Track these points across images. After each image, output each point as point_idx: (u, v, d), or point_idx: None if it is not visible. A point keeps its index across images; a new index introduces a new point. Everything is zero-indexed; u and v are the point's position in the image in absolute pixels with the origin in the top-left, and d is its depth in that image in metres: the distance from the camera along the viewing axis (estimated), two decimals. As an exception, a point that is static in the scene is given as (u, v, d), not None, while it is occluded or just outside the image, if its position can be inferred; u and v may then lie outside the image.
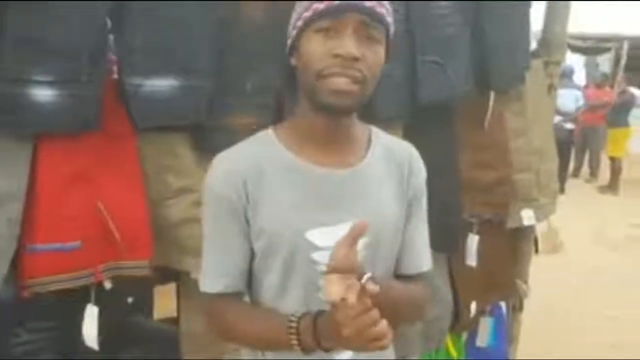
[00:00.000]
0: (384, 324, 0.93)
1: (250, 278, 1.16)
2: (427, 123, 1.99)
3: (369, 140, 1.17)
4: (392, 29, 1.08)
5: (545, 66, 2.41)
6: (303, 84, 1.08)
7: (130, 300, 1.69)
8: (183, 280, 1.72)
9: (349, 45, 1.00)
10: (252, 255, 1.13)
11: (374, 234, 1.10)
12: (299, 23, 1.05)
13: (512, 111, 2.26)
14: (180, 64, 1.59)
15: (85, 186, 1.53)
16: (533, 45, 2.52)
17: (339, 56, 1.00)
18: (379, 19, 1.03)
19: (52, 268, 1.48)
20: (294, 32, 1.07)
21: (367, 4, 1.01)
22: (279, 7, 1.70)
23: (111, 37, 1.55)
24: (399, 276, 1.20)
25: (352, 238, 0.95)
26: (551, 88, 2.49)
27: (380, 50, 1.05)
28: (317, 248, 1.07)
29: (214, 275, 1.12)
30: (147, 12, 1.53)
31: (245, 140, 1.15)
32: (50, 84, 1.42)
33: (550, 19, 2.46)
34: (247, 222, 1.10)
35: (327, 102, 1.03)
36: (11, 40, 1.38)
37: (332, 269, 0.93)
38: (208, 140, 1.68)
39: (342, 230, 1.02)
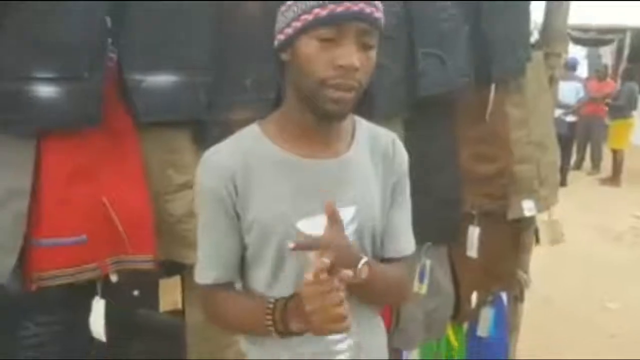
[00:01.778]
0: (346, 307, 0.99)
1: (243, 268, 1.20)
2: (428, 116, 2.01)
3: (353, 129, 1.20)
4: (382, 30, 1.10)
5: (546, 58, 2.41)
6: (299, 85, 1.08)
7: (136, 293, 1.72)
8: (187, 273, 1.74)
9: (351, 56, 1.02)
10: (244, 247, 1.17)
11: (360, 220, 1.15)
12: (297, 24, 1.04)
13: (513, 103, 2.26)
14: (181, 60, 1.61)
15: (89, 181, 1.55)
16: (535, 36, 2.53)
17: (342, 67, 1.02)
18: (377, 25, 1.05)
19: (58, 262, 1.51)
20: (289, 31, 1.06)
21: (367, 10, 1.02)
22: (278, 4, 1.72)
23: (112, 33, 1.56)
24: (382, 260, 1.23)
25: (330, 216, 1.04)
26: (552, 80, 2.49)
27: (374, 55, 1.07)
28: (307, 237, 1.10)
29: (206, 267, 1.18)
30: (147, 8, 1.54)
31: (232, 136, 1.18)
32: (52, 81, 1.45)
33: (551, 10, 2.45)
34: (237, 215, 1.13)
35: (326, 109, 1.06)
36: (13, 38, 1.40)
37: (321, 245, 1.02)
38: (209, 135, 1.69)
39: None
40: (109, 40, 1.55)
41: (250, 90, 1.73)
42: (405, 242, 1.26)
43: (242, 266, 1.20)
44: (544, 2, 2.48)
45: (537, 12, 2.45)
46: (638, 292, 4.28)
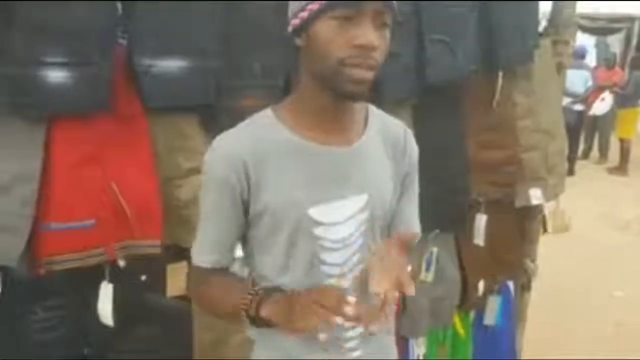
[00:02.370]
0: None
1: (252, 254, 1.20)
2: (435, 103, 2.00)
3: (366, 118, 1.20)
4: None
5: (554, 45, 2.40)
6: (316, 68, 1.07)
7: (143, 278, 1.72)
8: (194, 259, 1.75)
9: (369, 35, 1.01)
10: (251, 233, 1.17)
11: (372, 208, 1.16)
12: (313, 6, 1.03)
13: (520, 90, 2.25)
14: (189, 46, 1.61)
15: (98, 166, 1.55)
16: (543, 24, 2.51)
17: (360, 47, 1.01)
18: (391, 6, 1.04)
19: (67, 246, 1.52)
20: (304, 14, 1.05)
21: None
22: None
23: (122, 19, 1.56)
24: None
25: (402, 245, 1.01)
26: (560, 67, 2.47)
27: (388, 35, 1.07)
28: (319, 224, 1.11)
29: (206, 251, 1.18)
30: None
31: (245, 121, 1.16)
32: (62, 65, 1.45)
33: (559, -2, 2.44)
34: (246, 202, 1.13)
35: (347, 89, 1.05)
36: (23, 23, 1.40)
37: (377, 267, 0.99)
38: (217, 121, 1.69)
39: (343, 205, 1.12)
40: (119, 25, 1.55)
41: (259, 76, 1.73)
42: (414, 230, 1.28)
43: (251, 252, 1.20)
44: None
45: (545, 2, 2.43)
46: (645, 281, 4.28)
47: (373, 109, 1.23)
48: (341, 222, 1.13)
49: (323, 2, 1.02)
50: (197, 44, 1.62)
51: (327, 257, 1.13)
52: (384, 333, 1.25)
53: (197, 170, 1.68)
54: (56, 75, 1.44)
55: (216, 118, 1.69)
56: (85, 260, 1.54)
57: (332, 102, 1.10)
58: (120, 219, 1.57)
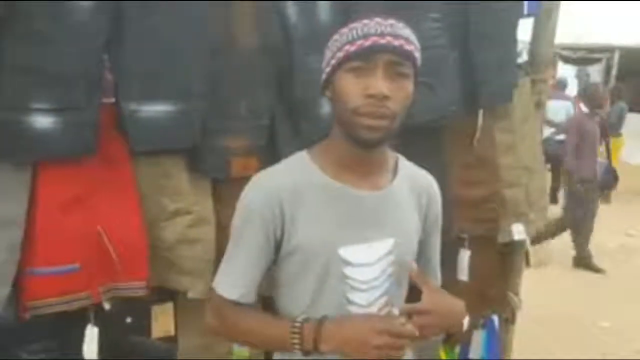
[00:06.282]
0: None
1: (281, 291, 1.24)
2: (416, 142, 2.03)
3: (396, 166, 1.28)
4: (419, 62, 1.17)
5: (533, 84, 2.46)
6: (338, 117, 1.17)
7: (128, 320, 1.73)
8: (180, 300, 1.76)
9: (379, 85, 1.09)
10: (276, 269, 1.22)
11: (399, 253, 1.22)
12: (333, 62, 1.14)
13: (501, 128, 2.30)
14: (175, 89, 1.64)
15: (84, 210, 1.57)
16: (524, 57, 2.57)
17: (372, 96, 1.09)
18: (407, 57, 1.12)
19: (52, 290, 1.52)
20: (327, 69, 1.16)
21: (396, 43, 1.10)
22: (270, 35, 1.76)
23: (107, 64, 1.59)
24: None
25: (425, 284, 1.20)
26: (539, 105, 2.53)
27: (408, 84, 1.15)
28: (348, 263, 1.17)
29: (232, 283, 1.21)
30: (142, 40, 1.57)
31: (281, 162, 1.25)
32: (49, 111, 1.47)
33: (536, 37, 2.50)
34: (278, 238, 1.18)
35: (360, 136, 1.13)
36: (9, 68, 1.43)
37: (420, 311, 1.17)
38: (202, 162, 1.72)
39: (371, 248, 1.19)
40: (105, 71, 1.58)
41: (245, 116, 1.76)
42: (437, 273, 1.42)
43: (279, 289, 1.24)
44: (530, 24, 2.53)
45: (525, 33, 2.50)
46: (630, 310, 4.31)
47: (403, 159, 1.32)
48: (369, 264, 1.19)
49: (339, 58, 1.12)
50: (182, 87, 1.65)
51: (354, 297, 1.19)
52: None
53: (182, 212, 1.70)
54: (43, 121, 1.46)
55: (201, 159, 1.72)
56: (70, 303, 1.54)
57: (355, 149, 1.17)
58: (105, 261, 1.58)
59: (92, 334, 1.62)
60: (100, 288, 1.59)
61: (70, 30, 1.47)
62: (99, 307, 1.61)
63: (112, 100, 1.64)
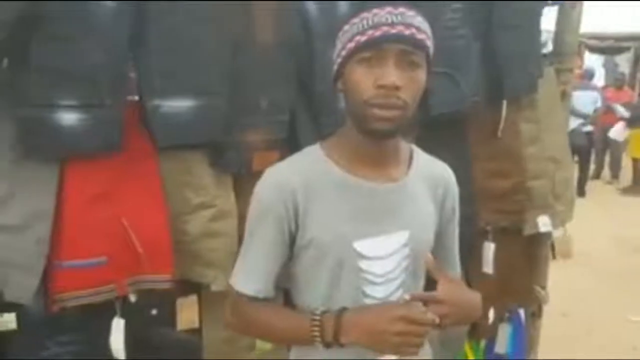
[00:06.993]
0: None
1: (296, 286, 1.24)
2: (440, 134, 2.02)
3: (411, 158, 1.25)
4: (432, 51, 1.14)
5: (558, 74, 2.42)
6: (350, 108, 1.15)
7: (154, 312, 1.75)
8: (204, 292, 1.78)
9: (391, 75, 1.06)
10: (292, 264, 1.21)
11: (415, 245, 1.20)
12: (343, 53, 1.12)
13: (525, 119, 2.27)
14: (197, 85, 1.65)
15: (110, 204, 1.59)
16: (549, 47, 2.53)
17: (383, 87, 1.07)
18: (419, 46, 1.09)
19: (79, 283, 1.55)
20: (338, 60, 1.14)
21: (407, 32, 1.07)
22: (290, 30, 1.76)
23: (132, 60, 1.61)
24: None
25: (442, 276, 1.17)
26: (565, 95, 2.49)
27: (421, 74, 1.11)
28: (363, 257, 1.16)
29: (249, 278, 1.21)
30: (164, 38, 1.59)
31: (295, 154, 1.23)
32: (74, 108, 1.50)
33: (562, 26, 2.46)
34: (292, 233, 1.17)
35: (372, 127, 1.11)
36: (37, 67, 1.46)
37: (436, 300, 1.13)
38: (224, 157, 1.73)
39: (386, 240, 1.17)
40: (129, 68, 1.60)
41: (264, 113, 1.76)
42: (456, 263, 1.38)
43: (295, 283, 1.24)
44: (555, 13, 2.48)
45: (549, 22, 2.46)
46: (659, 304, 4.23)
47: (418, 150, 1.29)
48: (384, 257, 1.18)
49: (350, 49, 1.10)
50: (204, 82, 1.66)
51: (370, 290, 1.18)
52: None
53: (205, 205, 1.71)
54: (69, 118, 1.49)
55: (223, 154, 1.73)
56: (96, 296, 1.57)
57: (368, 140, 1.15)
58: (131, 255, 1.60)
59: (118, 325, 1.65)
60: (126, 281, 1.61)
61: (95, 30, 1.49)
62: (125, 299, 1.64)
63: (136, 97, 1.67)
